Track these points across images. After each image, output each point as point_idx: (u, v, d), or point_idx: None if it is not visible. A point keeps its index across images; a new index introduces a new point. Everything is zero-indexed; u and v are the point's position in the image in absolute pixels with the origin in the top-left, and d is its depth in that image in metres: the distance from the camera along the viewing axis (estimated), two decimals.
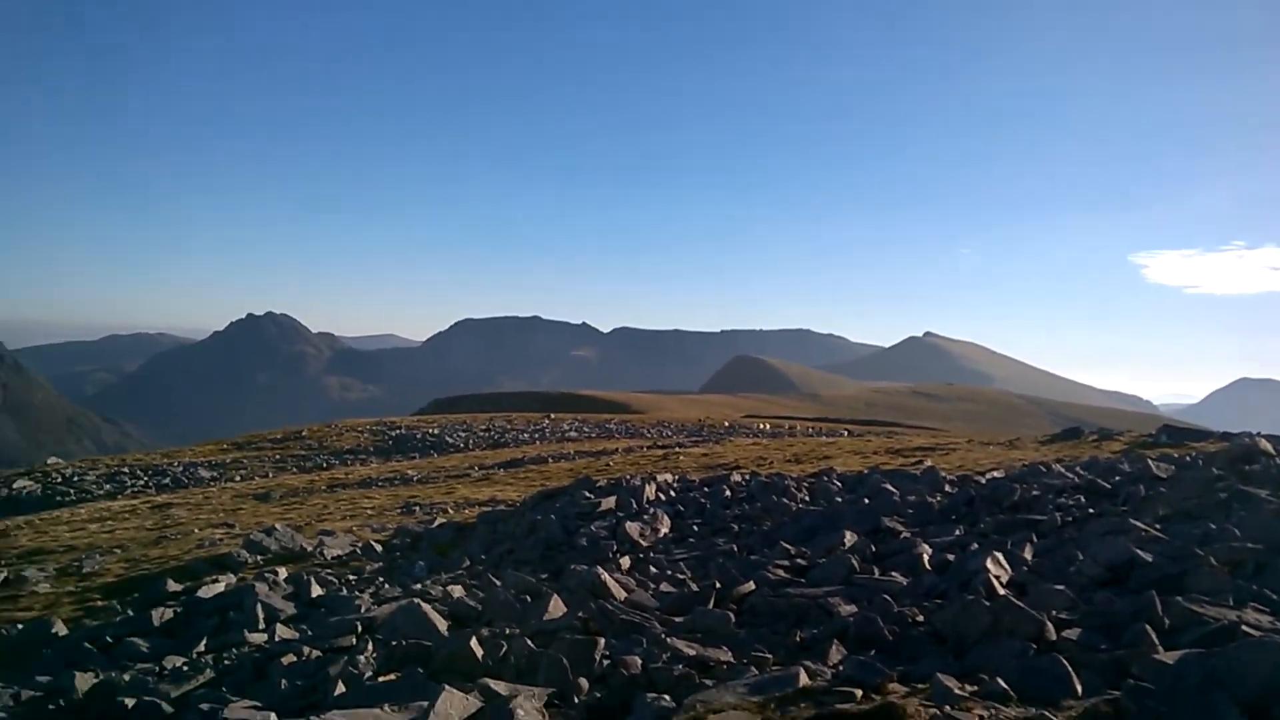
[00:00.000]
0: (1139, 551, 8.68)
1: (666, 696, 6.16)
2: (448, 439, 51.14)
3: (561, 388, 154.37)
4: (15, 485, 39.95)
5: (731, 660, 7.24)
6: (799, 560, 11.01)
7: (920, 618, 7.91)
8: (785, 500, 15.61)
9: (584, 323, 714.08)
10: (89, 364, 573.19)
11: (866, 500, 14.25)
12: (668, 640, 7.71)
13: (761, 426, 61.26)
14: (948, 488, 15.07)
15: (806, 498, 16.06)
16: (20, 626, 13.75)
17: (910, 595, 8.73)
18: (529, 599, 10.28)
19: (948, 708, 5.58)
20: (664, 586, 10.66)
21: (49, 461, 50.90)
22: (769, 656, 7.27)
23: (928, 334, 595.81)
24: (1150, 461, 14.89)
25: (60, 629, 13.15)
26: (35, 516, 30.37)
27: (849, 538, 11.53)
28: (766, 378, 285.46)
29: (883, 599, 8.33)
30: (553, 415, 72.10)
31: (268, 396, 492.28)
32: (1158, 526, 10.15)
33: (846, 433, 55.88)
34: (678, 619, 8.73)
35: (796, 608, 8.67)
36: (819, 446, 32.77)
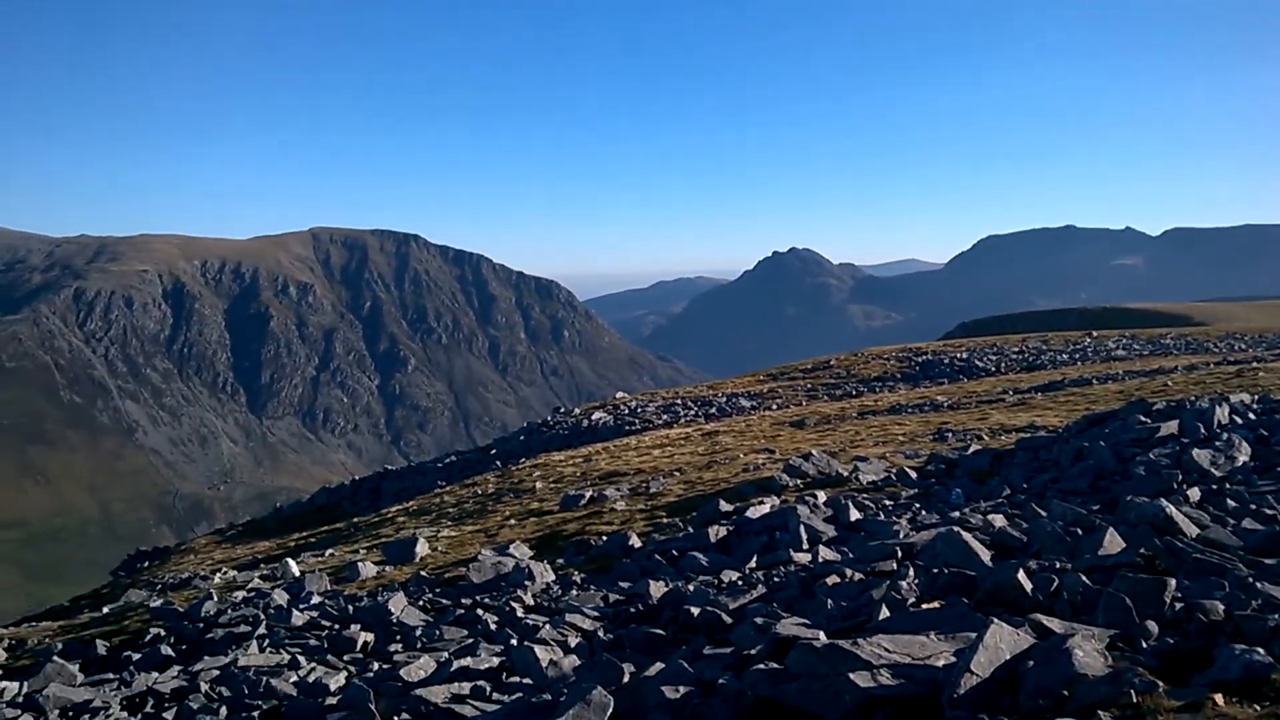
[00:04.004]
0: None
1: (1260, 650, 5.28)
2: (977, 363, 49.57)
3: (1103, 302, 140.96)
4: (593, 417, 46.67)
5: None
6: None
7: None
8: None
9: (1127, 227, 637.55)
10: (643, 308, 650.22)
11: None
12: (1256, 585, 6.64)
13: None
14: None
15: None
16: (605, 538, 16.06)
17: None
18: (1079, 531, 9.55)
19: None
20: (1246, 523, 9.24)
21: (617, 396, 58.67)
22: None
23: None
24: None
25: (635, 541, 15.14)
26: (610, 443, 35.24)
27: None
28: None
29: None
30: (1095, 333, 66.56)
31: (796, 328, 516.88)
32: None
33: None
34: (1267, 561, 7.49)
35: None
36: None
